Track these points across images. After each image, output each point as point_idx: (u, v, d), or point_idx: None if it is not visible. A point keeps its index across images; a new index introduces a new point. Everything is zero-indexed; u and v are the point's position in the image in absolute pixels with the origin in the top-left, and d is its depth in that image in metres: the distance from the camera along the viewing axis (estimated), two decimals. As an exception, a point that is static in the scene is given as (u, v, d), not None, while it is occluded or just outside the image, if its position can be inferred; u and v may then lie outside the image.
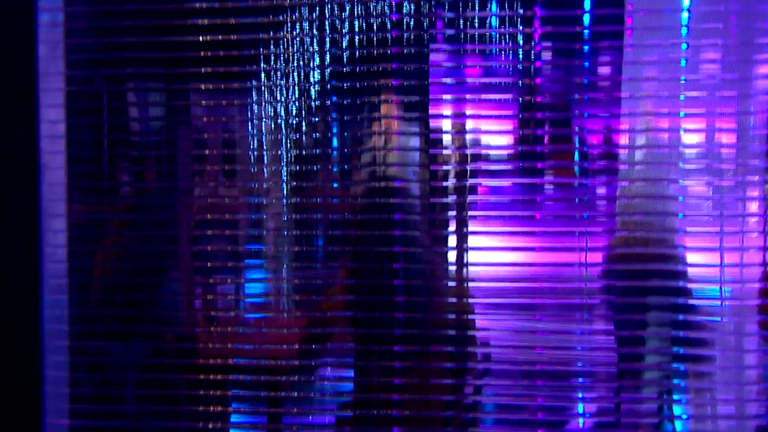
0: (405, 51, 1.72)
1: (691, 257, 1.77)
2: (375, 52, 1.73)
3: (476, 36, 1.72)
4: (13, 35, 1.74)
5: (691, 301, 1.76)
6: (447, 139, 1.77)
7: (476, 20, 1.71)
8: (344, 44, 1.74)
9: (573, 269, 1.75)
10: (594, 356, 1.78)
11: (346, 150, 1.79)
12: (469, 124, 1.76)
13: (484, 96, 1.74)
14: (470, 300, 1.79)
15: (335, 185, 1.80)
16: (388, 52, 1.72)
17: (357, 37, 1.73)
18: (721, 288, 1.74)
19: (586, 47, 1.69)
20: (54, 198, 1.82)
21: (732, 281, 1.73)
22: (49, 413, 1.81)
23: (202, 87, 1.80)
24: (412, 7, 1.73)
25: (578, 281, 1.75)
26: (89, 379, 1.86)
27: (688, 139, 1.72)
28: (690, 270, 1.77)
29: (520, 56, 1.71)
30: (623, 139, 1.74)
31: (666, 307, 1.75)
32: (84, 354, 1.85)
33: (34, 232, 1.76)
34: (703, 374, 1.78)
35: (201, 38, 1.78)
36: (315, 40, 1.75)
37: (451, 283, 1.80)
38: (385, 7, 1.73)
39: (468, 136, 1.77)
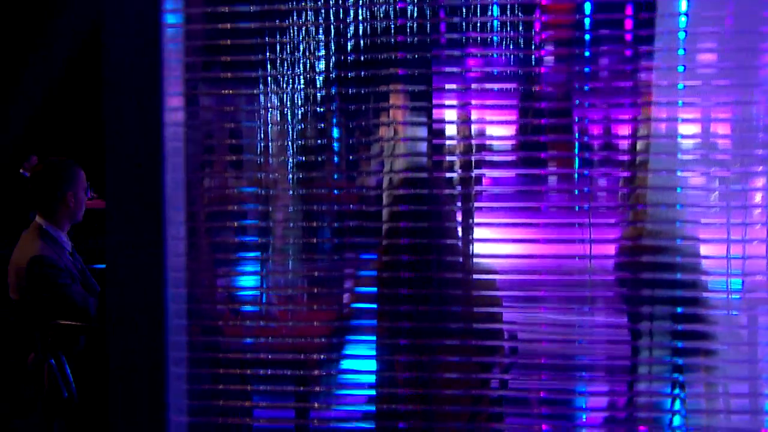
0: (409, 40, 1.73)
1: (696, 249, 1.76)
2: (380, 40, 1.74)
3: (478, 24, 1.73)
4: (141, 21, 1.70)
5: (698, 295, 1.75)
6: (451, 129, 1.78)
7: (478, 8, 1.73)
8: (350, 34, 1.75)
9: (577, 261, 1.74)
10: (598, 348, 1.76)
11: (351, 140, 1.80)
12: (474, 115, 1.77)
13: (487, 86, 1.74)
14: (477, 293, 1.77)
15: (338, 176, 1.80)
16: (393, 41, 1.74)
17: (362, 26, 1.74)
18: (727, 280, 1.72)
19: (587, 36, 1.70)
20: (175, 189, 1.75)
21: (739, 274, 1.72)
22: (171, 410, 1.75)
23: (221, 76, 1.78)
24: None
25: (582, 273, 1.74)
26: (206, 375, 1.80)
27: (687, 129, 1.73)
28: (696, 262, 1.76)
29: (522, 45, 1.73)
30: (627, 130, 1.75)
31: (672, 300, 1.74)
32: (201, 350, 1.79)
33: (158, 223, 1.71)
34: (713, 367, 1.75)
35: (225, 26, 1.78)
36: (321, 29, 1.76)
37: (459, 275, 1.79)
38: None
39: (473, 126, 1.77)
